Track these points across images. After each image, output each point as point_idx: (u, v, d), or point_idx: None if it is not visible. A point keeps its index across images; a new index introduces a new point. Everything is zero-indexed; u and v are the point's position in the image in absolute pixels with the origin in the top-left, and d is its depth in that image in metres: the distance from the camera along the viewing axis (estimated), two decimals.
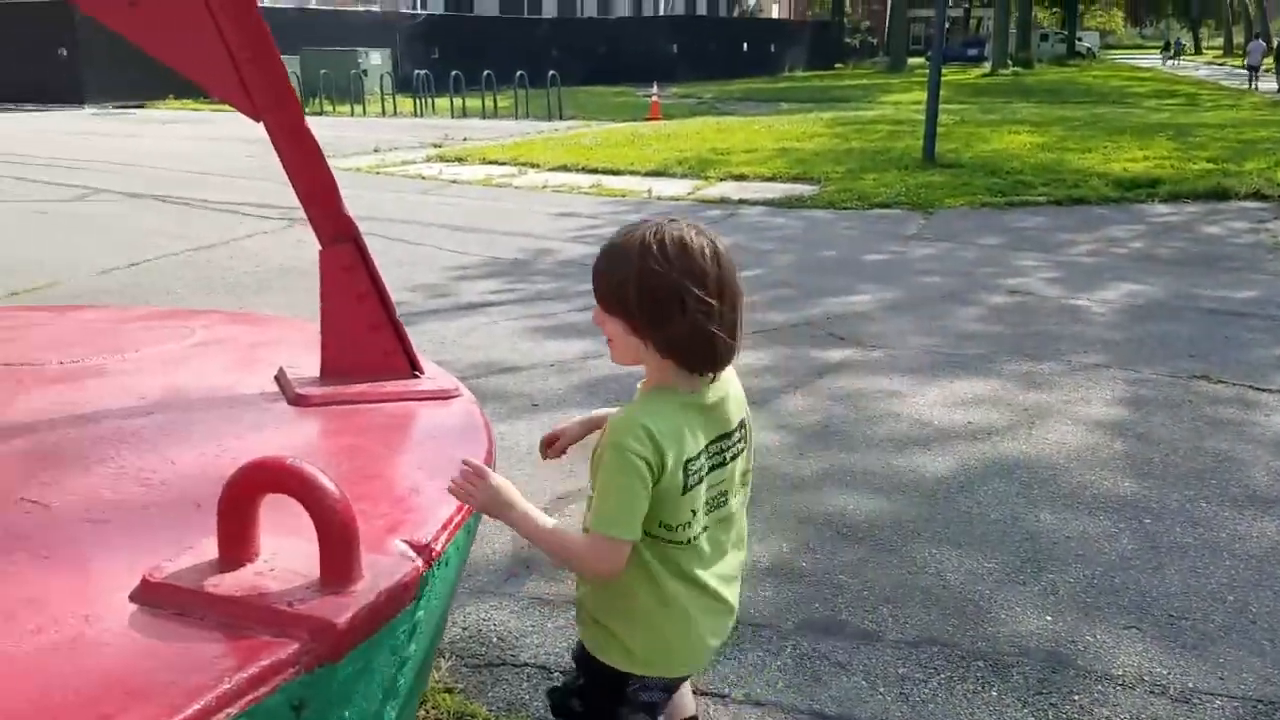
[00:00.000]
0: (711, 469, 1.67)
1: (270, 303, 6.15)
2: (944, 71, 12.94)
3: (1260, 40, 40.35)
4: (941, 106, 12.59)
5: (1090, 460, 3.94)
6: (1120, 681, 2.56)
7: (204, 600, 1.39)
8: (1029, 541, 3.28)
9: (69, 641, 1.32)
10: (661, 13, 51.44)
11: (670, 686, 1.82)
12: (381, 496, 1.78)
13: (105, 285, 6.61)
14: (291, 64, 21.90)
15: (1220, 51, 77.12)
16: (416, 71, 23.73)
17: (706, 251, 1.57)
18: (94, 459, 1.89)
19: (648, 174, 11.99)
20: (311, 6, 31.94)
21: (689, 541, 1.66)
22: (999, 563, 3.15)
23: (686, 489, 1.62)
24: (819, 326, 5.80)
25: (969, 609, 2.89)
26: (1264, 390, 4.70)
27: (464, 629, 2.77)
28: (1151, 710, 2.46)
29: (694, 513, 1.65)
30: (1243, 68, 39.84)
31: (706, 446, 1.66)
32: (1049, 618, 2.85)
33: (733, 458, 1.72)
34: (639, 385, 1.74)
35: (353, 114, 22.20)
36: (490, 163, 13.26)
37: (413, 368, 2.44)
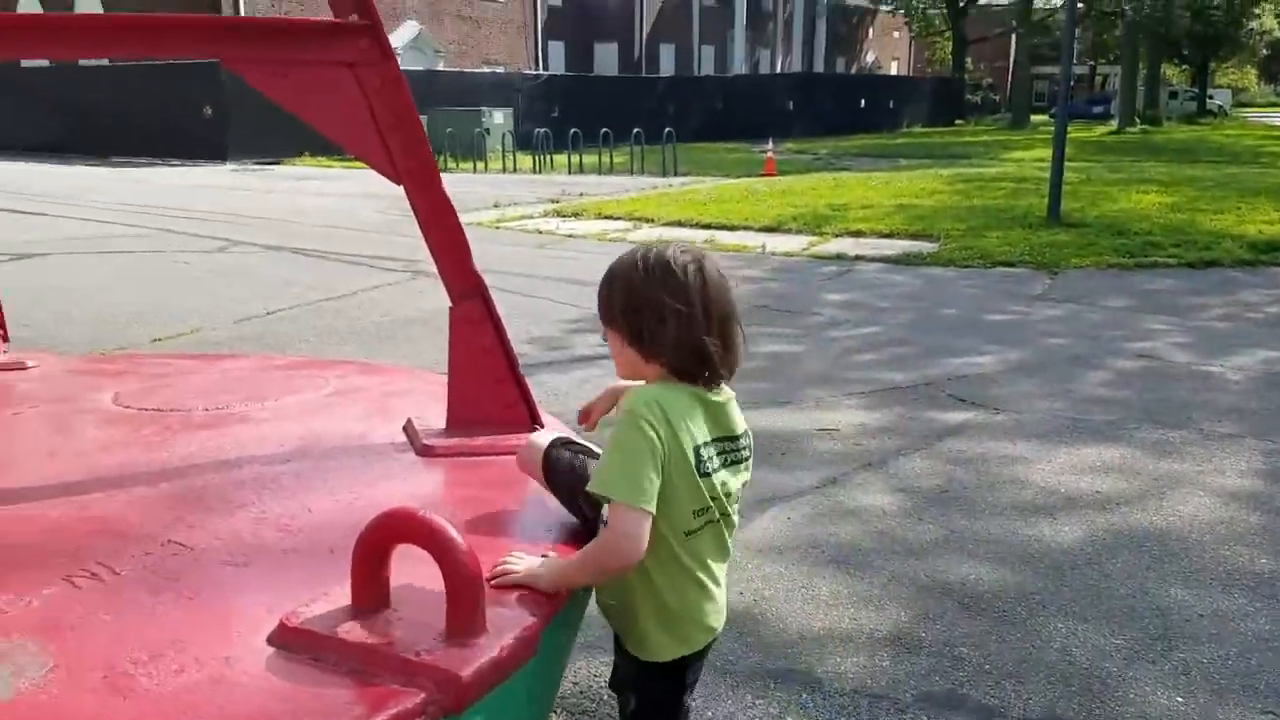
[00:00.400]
0: (722, 465, 1.76)
1: (394, 351, 6.35)
2: (1069, 128, 12.67)
3: None
4: (1066, 164, 12.32)
5: (1224, 534, 3.75)
6: None
7: (337, 646, 1.43)
8: (1159, 618, 3.14)
9: (210, 682, 1.38)
10: (778, 70, 51.85)
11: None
12: (505, 549, 1.82)
13: (243, 333, 6.91)
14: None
15: None
16: (536, 129, 24.37)
17: (690, 268, 1.71)
18: (237, 503, 1.98)
19: (762, 229, 12.01)
20: (440, 69, 33.19)
21: (705, 527, 1.74)
22: (1128, 639, 3.01)
23: (703, 474, 1.70)
24: (939, 387, 5.69)
25: (1096, 686, 2.77)
26: None
27: (574, 684, 2.78)
28: None
29: (713, 500, 1.73)
30: None
31: (715, 439, 1.74)
32: (1180, 698, 2.71)
33: (740, 463, 1.81)
34: None
35: (475, 170, 22.88)
36: (605, 218, 13.47)
37: (533, 420, 2.49)
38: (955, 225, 11.68)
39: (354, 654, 1.43)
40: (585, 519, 1.92)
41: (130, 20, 1.90)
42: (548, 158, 23.32)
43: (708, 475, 1.71)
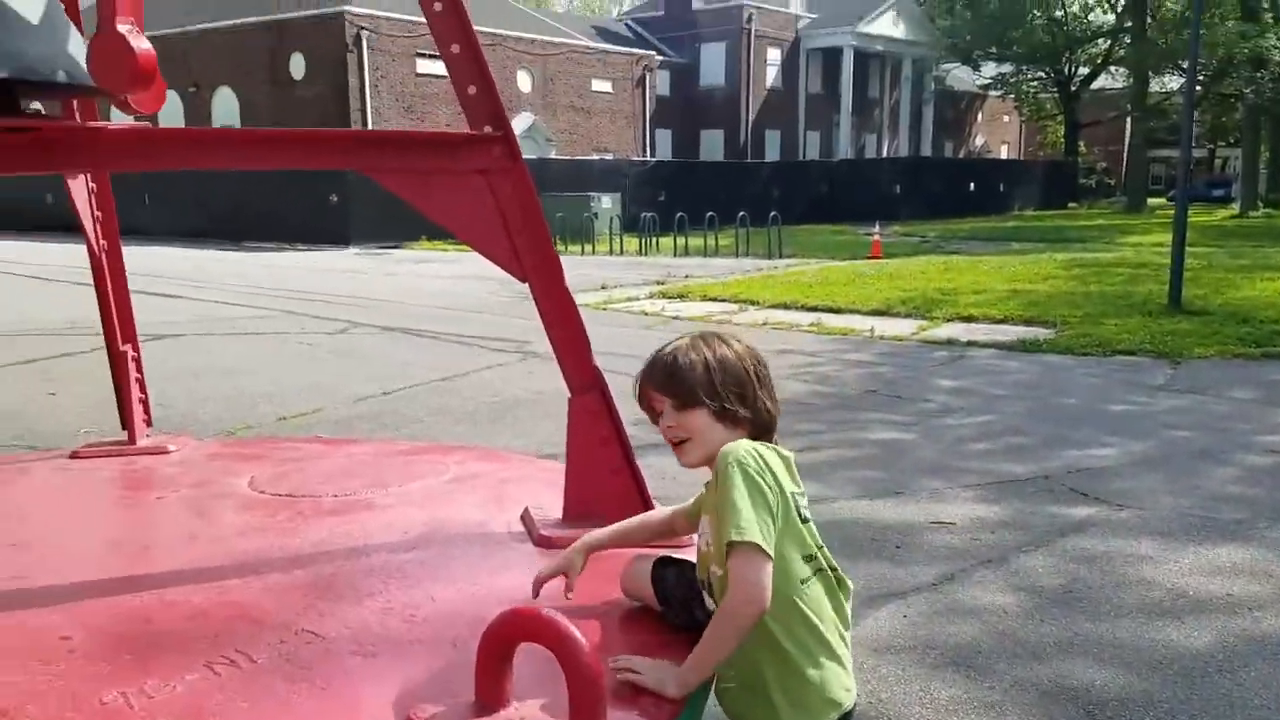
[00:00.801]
0: (811, 519, 1.83)
1: (504, 432, 6.46)
2: (1189, 212, 12.32)
3: None
4: (1187, 249, 11.97)
5: None
6: None
7: None
8: None
9: None
10: (884, 155, 51.90)
11: None
12: (623, 648, 1.83)
13: (361, 412, 7.13)
14: None
15: None
16: (643, 213, 24.83)
17: (735, 345, 1.95)
18: (365, 592, 2.05)
19: (870, 313, 11.93)
20: (552, 156, 34.21)
21: (816, 576, 1.79)
22: None
23: (803, 520, 1.79)
24: (1059, 480, 5.52)
25: None
26: None
27: None
28: None
29: (818, 548, 1.80)
30: None
31: (800, 491, 1.83)
32: None
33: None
34: (705, 485, 1.95)
35: (583, 253, 23.35)
36: (710, 299, 13.56)
37: (647, 511, 2.51)
38: (1072, 311, 11.41)
39: None
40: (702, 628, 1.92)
41: (289, 135, 2.05)
42: (653, 240, 23.69)
43: (807, 522, 1.80)
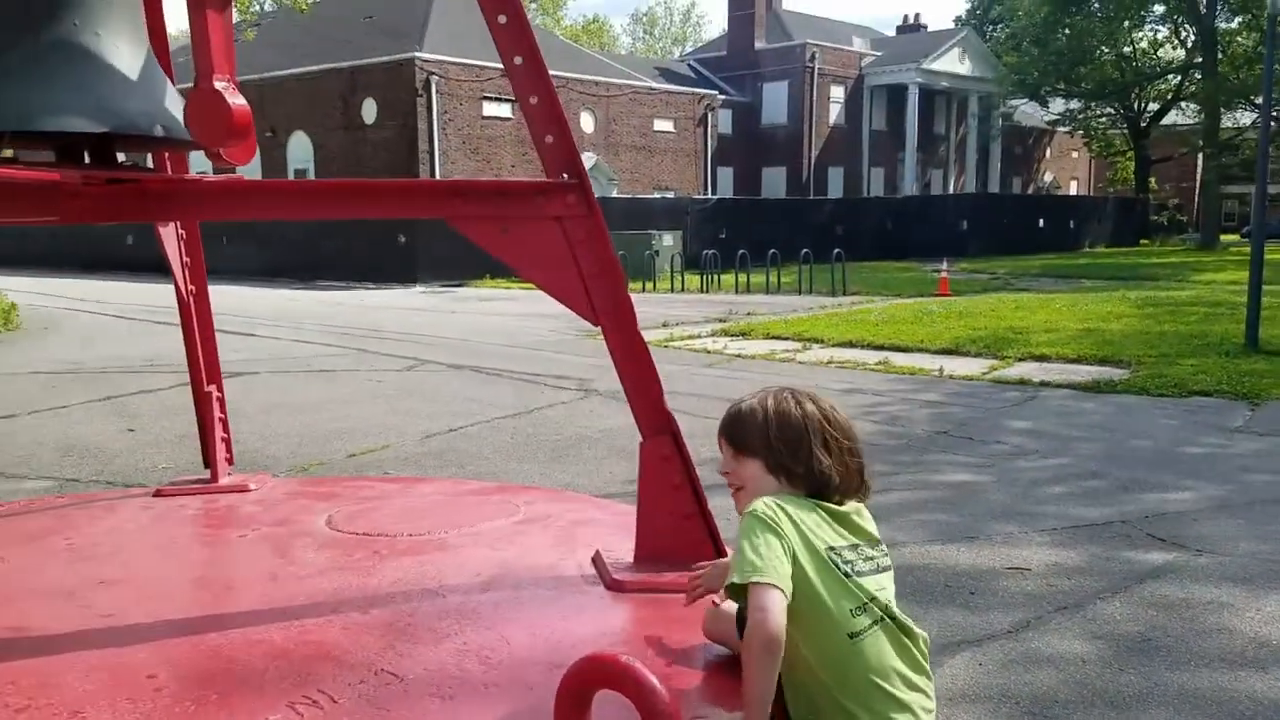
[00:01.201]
0: (871, 570, 1.85)
1: (566, 470, 6.50)
2: (1265, 249, 12.02)
3: None
4: (1264, 287, 11.66)
5: None
6: None
7: None
8: None
9: None
10: (951, 191, 51.50)
11: None
12: (703, 695, 1.83)
13: (428, 449, 7.23)
14: None
15: None
16: (705, 251, 24.90)
17: (807, 406, 1.99)
18: (441, 633, 2.07)
19: (938, 351, 11.78)
20: (614, 195, 34.53)
21: (874, 628, 1.79)
22: None
23: (846, 574, 1.80)
24: (1135, 525, 5.38)
25: None
26: None
27: None
28: None
29: (871, 600, 1.80)
30: None
31: (851, 545, 1.86)
32: None
33: (885, 570, 1.90)
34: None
35: (644, 290, 23.46)
36: (773, 337, 13.50)
37: (719, 557, 2.50)
38: (1146, 351, 11.17)
39: None
40: None
41: (376, 186, 2.11)
42: (715, 278, 23.72)
43: (851, 576, 1.81)
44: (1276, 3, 11.10)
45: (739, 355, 12.05)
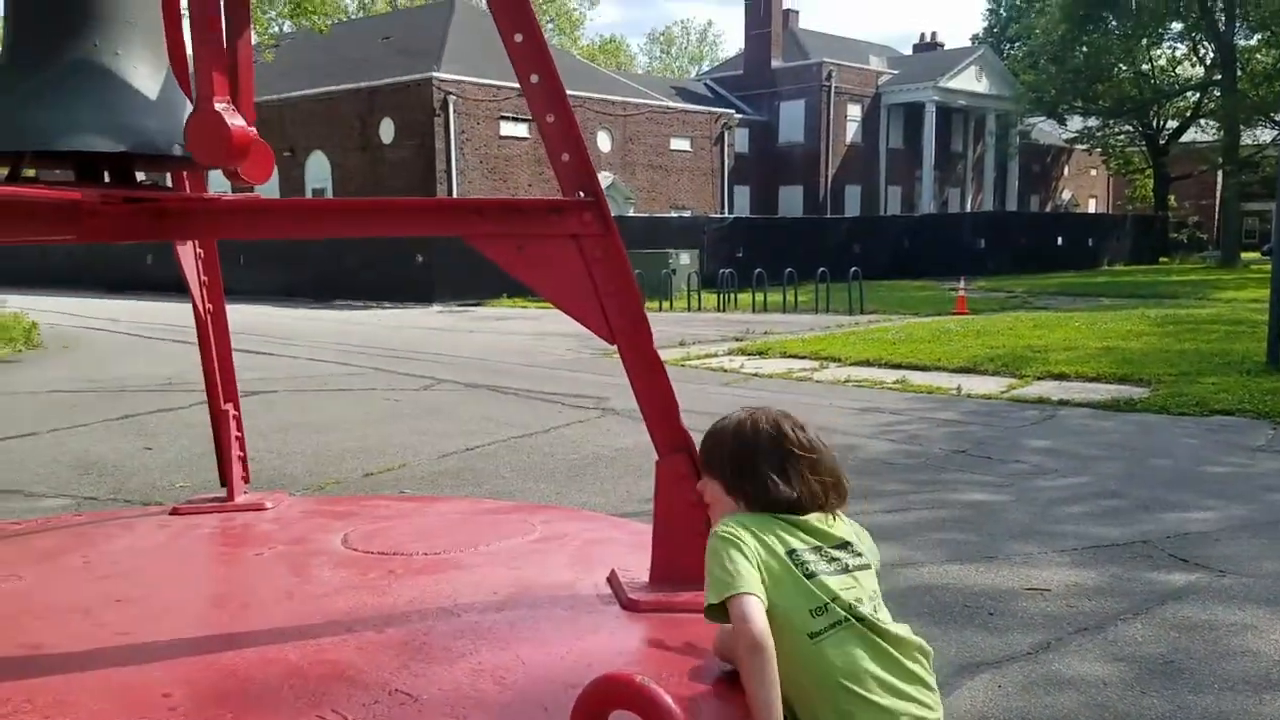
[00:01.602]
0: (836, 570, 1.88)
1: (583, 489, 6.48)
2: None
3: None
4: None
5: None
6: None
7: None
8: None
9: None
10: (968, 209, 51.41)
11: None
12: (712, 716, 1.81)
13: (444, 468, 7.23)
14: None
15: None
16: (721, 269, 24.92)
17: (764, 431, 1.99)
18: (456, 653, 2.06)
19: (956, 370, 11.73)
20: (630, 214, 34.62)
21: (835, 630, 1.80)
22: None
23: (808, 574, 1.84)
24: (1157, 545, 5.33)
25: None
26: None
27: None
28: None
29: (832, 600, 1.82)
30: None
31: (815, 548, 1.90)
32: None
33: (858, 569, 1.92)
34: None
35: (660, 309, 23.47)
36: (790, 356, 13.47)
37: None
38: (1166, 370, 11.09)
39: None
40: None
41: (393, 204, 2.12)
42: (732, 296, 23.71)
43: (814, 576, 1.84)
44: None
45: (756, 374, 12.02)
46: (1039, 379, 11.04)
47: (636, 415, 2.62)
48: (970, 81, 50.77)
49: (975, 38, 65.16)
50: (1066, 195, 62.66)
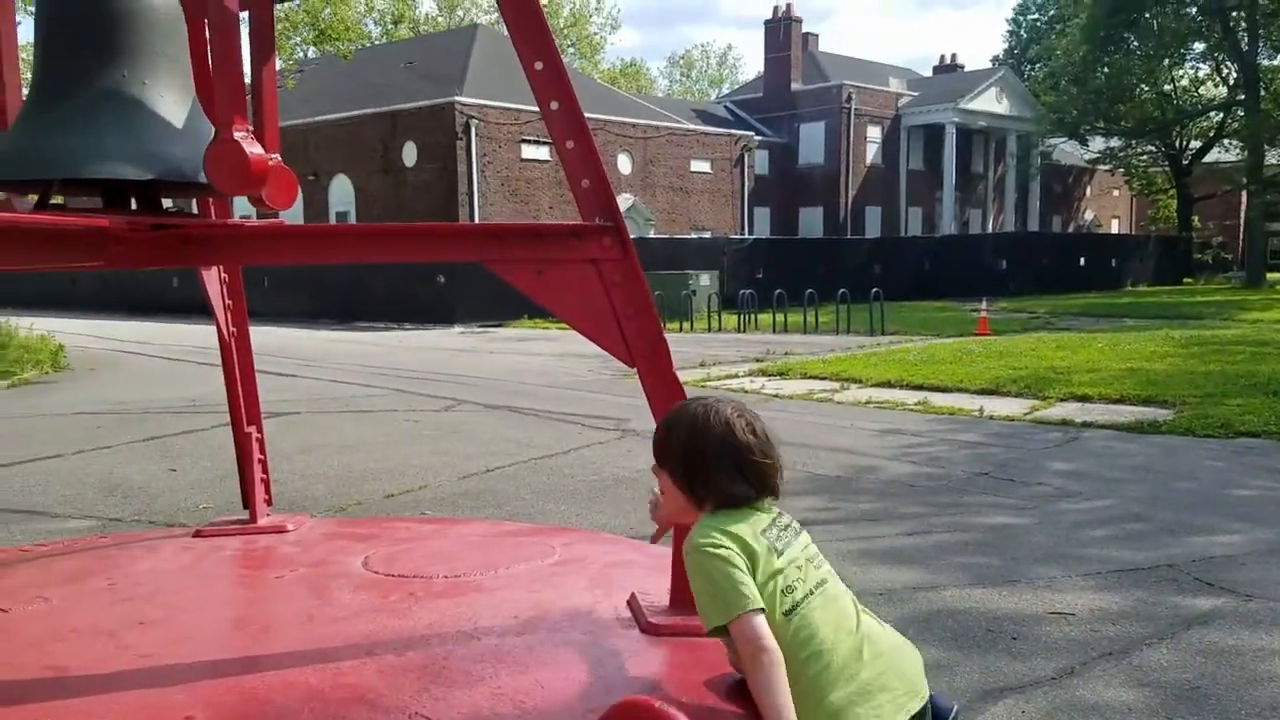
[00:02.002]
0: (788, 543, 1.97)
1: (603, 511, 6.48)
2: None
3: None
4: None
5: None
6: None
7: None
8: None
9: None
10: (989, 230, 51.25)
11: None
12: None
13: (465, 489, 7.24)
14: None
15: None
16: (741, 290, 24.93)
17: (722, 428, 2.00)
18: (476, 676, 2.07)
19: (978, 392, 11.67)
20: (650, 235, 34.72)
21: (803, 602, 1.89)
22: None
23: (779, 552, 1.93)
24: (1182, 569, 5.27)
25: None
26: None
27: None
28: None
29: (797, 569, 1.93)
30: None
31: (765, 529, 1.97)
32: None
33: (795, 535, 2.02)
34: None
35: (681, 330, 23.49)
36: (811, 377, 13.44)
37: None
38: (1191, 391, 10.99)
39: None
40: None
41: (416, 230, 2.15)
42: (752, 317, 23.71)
43: (782, 553, 1.94)
44: None
45: (776, 395, 12.00)
46: (1062, 400, 10.97)
47: None
48: (991, 103, 50.74)
49: (995, 59, 65.14)
50: (1089, 216, 62.39)
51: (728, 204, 42.68)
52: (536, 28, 2.26)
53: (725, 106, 52.62)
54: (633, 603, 2.52)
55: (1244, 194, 47.37)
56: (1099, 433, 9.24)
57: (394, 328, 25.92)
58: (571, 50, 66.98)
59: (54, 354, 16.46)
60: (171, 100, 2.24)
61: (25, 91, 2.54)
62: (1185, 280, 46.24)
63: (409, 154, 33.96)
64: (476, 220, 31.69)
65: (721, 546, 1.88)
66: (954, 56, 58.29)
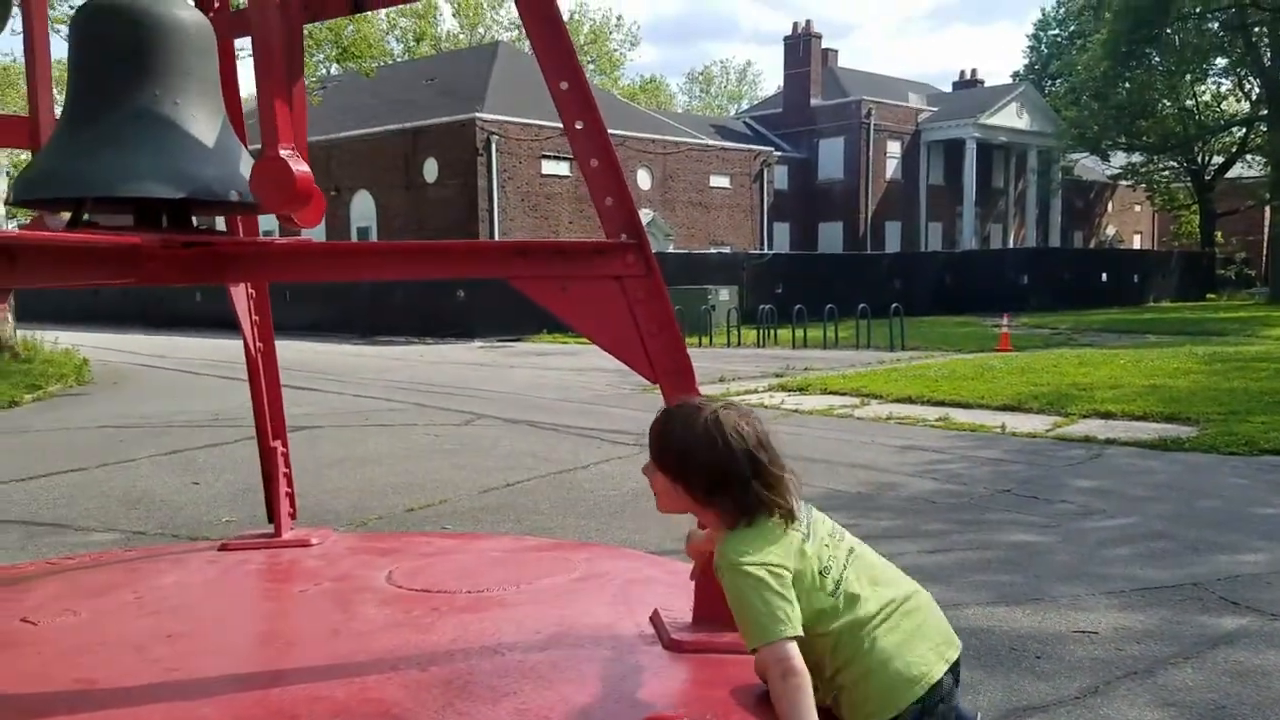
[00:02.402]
0: (825, 542, 2.07)
1: (623, 527, 6.48)
2: None
3: None
4: None
5: None
6: None
7: None
8: None
9: None
10: (1010, 245, 51.06)
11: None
12: None
13: (485, 503, 7.26)
14: None
15: None
16: (761, 305, 24.92)
17: (740, 443, 1.99)
18: (501, 692, 2.08)
19: (1000, 408, 11.62)
20: (670, 250, 34.78)
21: (842, 572, 2.02)
22: None
23: (805, 537, 2.02)
24: (1206, 588, 5.22)
25: None
26: None
27: None
28: None
29: (826, 546, 2.05)
30: None
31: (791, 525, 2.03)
32: None
33: (830, 535, 2.11)
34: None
35: (700, 344, 23.48)
36: (831, 393, 13.41)
37: None
38: (1215, 408, 10.90)
39: None
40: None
41: (442, 247, 2.17)
42: (771, 332, 23.69)
43: (809, 539, 2.02)
44: None
45: (796, 410, 11.98)
46: (1084, 417, 10.90)
47: None
48: (1011, 118, 50.63)
49: (1016, 75, 65.00)
50: (1110, 231, 62.06)
51: (747, 219, 42.72)
52: (562, 49, 2.29)
53: (744, 122, 52.72)
54: (655, 619, 2.52)
55: (1267, 209, 47.07)
56: (1122, 450, 9.17)
57: (414, 342, 26.03)
58: (591, 66, 67.28)
59: (78, 368, 16.62)
60: (203, 119, 2.27)
61: (58, 111, 2.58)
62: (1208, 296, 45.88)
63: (430, 170, 34.19)
64: (496, 236, 31.86)
65: (756, 564, 1.91)
66: (974, 72, 58.16)
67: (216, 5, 2.93)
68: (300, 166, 2.04)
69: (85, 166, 2.16)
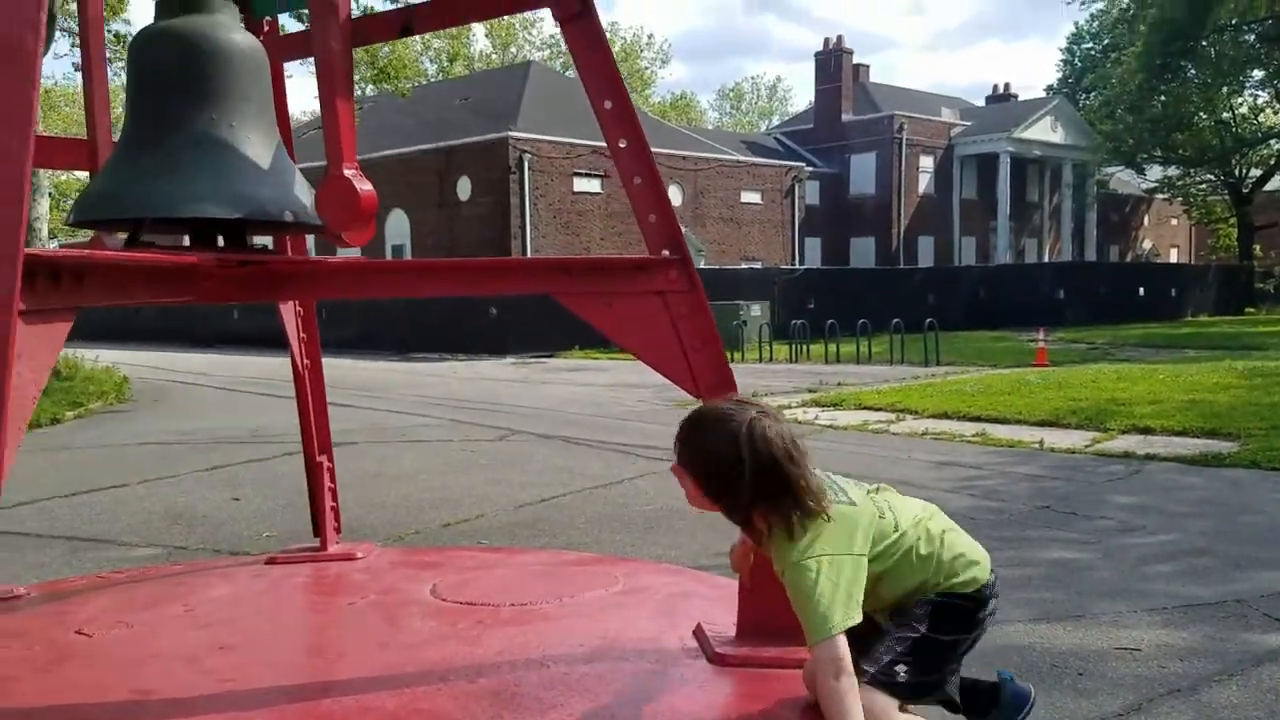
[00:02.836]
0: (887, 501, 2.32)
1: (658, 542, 6.48)
2: None
3: None
4: None
5: None
6: None
7: None
8: None
9: None
10: (1045, 260, 50.65)
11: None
12: None
13: (521, 518, 7.30)
14: None
15: None
16: (793, 321, 24.87)
17: (782, 452, 2.09)
18: (548, 704, 2.10)
19: (1038, 423, 11.51)
20: (701, 266, 34.81)
21: (890, 509, 2.30)
22: None
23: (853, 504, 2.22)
24: (1250, 605, 5.15)
25: None
26: None
27: None
28: None
29: (870, 497, 2.33)
30: None
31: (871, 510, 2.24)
32: None
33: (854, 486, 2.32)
34: None
35: (732, 360, 23.32)
36: (866, 408, 13.34)
37: None
38: (1256, 423, 10.75)
39: None
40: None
41: (488, 264, 2.21)
42: (804, 348, 23.63)
43: (884, 517, 2.23)
44: None
45: (831, 426, 11.93)
46: (1123, 433, 10.78)
47: None
48: (1045, 132, 50.30)
49: (1049, 89, 64.61)
50: (1147, 245, 61.42)
51: (778, 234, 42.69)
52: (607, 69, 2.33)
53: (775, 138, 52.75)
54: (699, 633, 2.54)
55: None
56: (1162, 465, 9.07)
57: (447, 358, 26.20)
58: None
59: (119, 385, 16.87)
60: (258, 141, 2.33)
61: (116, 133, 2.66)
62: (1247, 310, 45.25)
63: (464, 188, 34.48)
64: (529, 253, 32.04)
65: (816, 560, 2.01)
66: (1007, 86, 57.90)
67: (266, 28, 3.00)
68: (365, 186, 2.10)
69: (146, 188, 2.23)
